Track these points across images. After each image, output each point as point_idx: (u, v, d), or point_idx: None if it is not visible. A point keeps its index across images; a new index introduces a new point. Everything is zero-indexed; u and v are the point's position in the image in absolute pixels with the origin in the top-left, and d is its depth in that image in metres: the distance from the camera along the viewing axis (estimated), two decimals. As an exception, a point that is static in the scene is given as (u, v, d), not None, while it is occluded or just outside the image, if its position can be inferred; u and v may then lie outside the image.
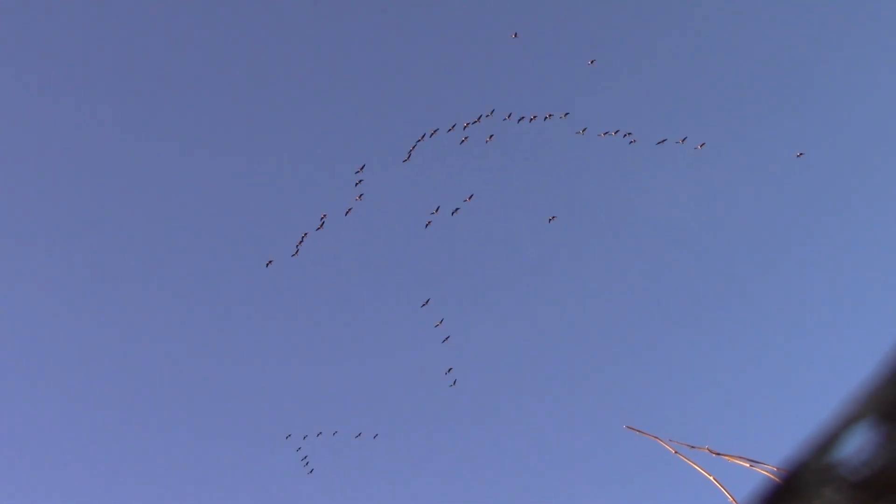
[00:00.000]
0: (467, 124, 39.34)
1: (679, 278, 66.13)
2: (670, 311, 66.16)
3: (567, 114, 40.17)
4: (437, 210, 40.77)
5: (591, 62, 44.66)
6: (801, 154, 41.78)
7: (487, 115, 39.40)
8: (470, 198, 40.96)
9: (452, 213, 40.92)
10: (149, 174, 67.62)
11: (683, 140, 39.55)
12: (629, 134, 39.44)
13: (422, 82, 66.53)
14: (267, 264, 42.00)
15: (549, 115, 40.12)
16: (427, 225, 40.75)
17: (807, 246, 63.97)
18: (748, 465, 4.29)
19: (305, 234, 40.01)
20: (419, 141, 39.56)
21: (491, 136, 39.93)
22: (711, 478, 4.35)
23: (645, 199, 63.36)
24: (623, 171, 65.10)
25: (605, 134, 39.80)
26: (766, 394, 62.68)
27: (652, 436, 4.68)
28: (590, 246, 65.56)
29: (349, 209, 40.09)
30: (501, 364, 65.26)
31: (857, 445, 1.14)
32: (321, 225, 39.98)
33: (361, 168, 39.74)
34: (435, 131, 39.55)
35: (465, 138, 39.43)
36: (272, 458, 61.22)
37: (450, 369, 43.20)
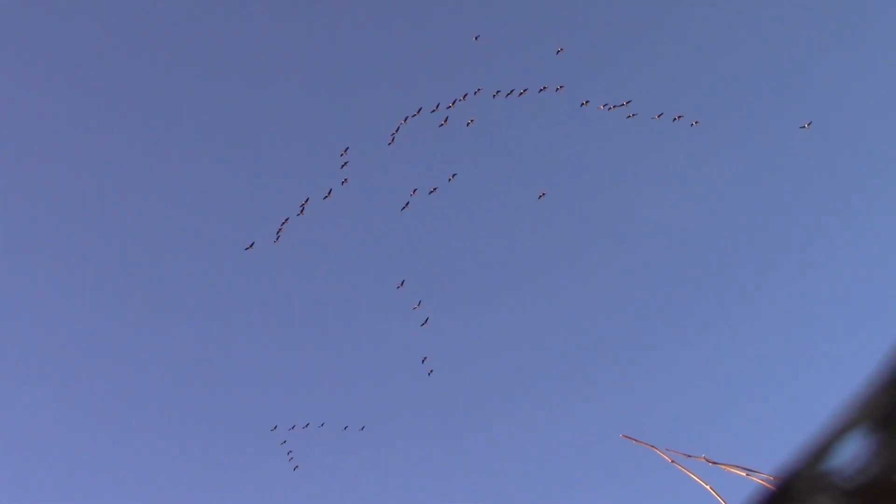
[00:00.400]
0: (453, 103, 37.88)
1: (677, 285, 66.07)
2: (666, 318, 66.12)
3: (562, 86, 38.66)
4: (414, 192, 39.41)
5: (559, 51, 42.04)
6: (808, 124, 40.16)
7: (475, 92, 37.87)
8: (453, 177, 40.07)
9: (430, 193, 39.62)
10: (129, 166, 67.29)
11: (679, 117, 38.61)
12: (629, 102, 37.99)
13: (405, 62, 66.14)
14: (248, 247, 40.95)
15: (544, 88, 38.50)
16: (404, 207, 39.26)
17: (802, 253, 63.94)
18: (745, 475, 4.28)
19: (286, 219, 39.09)
20: (403, 123, 38.19)
21: (472, 121, 38.62)
22: (708, 487, 4.33)
23: (643, 205, 63.30)
24: (620, 177, 64.97)
25: (605, 106, 38.46)
26: (763, 402, 62.64)
27: (648, 444, 4.67)
28: (588, 253, 65.49)
29: (329, 191, 38.77)
30: (496, 370, 65.12)
31: (852, 453, 1.14)
32: (301, 210, 39.05)
33: (345, 151, 38.43)
34: (419, 111, 38.01)
35: (446, 119, 37.91)
36: (258, 452, 60.81)
37: (425, 358, 42.73)
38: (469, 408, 65.11)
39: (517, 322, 65.07)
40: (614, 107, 38.32)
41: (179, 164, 66.07)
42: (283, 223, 39.16)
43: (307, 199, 38.71)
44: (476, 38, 42.76)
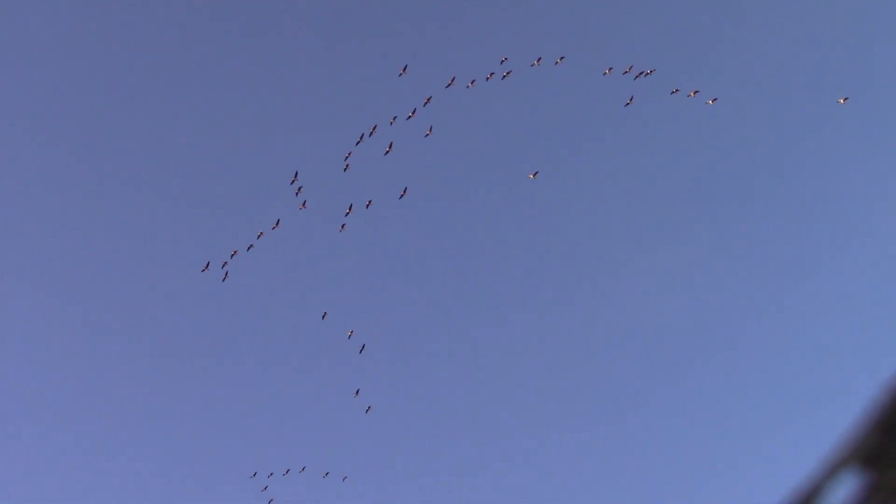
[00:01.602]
0: (412, 112, 34.82)
1: (681, 371, 65.55)
2: (677, 395, 65.55)
3: (563, 58, 36.03)
4: (350, 208, 36.60)
5: (503, 60, 37.08)
6: (845, 99, 38.03)
7: (448, 85, 35.26)
8: (405, 192, 37.23)
9: (367, 206, 37.03)
10: (83, 189, 66.69)
11: (695, 93, 36.80)
12: (653, 71, 35.73)
13: (353, 79, 64.28)
14: (203, 269, 39.23)
15: (538, 61, 35.66)
16: (342, 228, 36.99)
17: (793, 311, 63.81)
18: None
19: (235, 251, 37.37)
20: (358, 142, 35.56)
21: (431, 129, 36.29)
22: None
23: (636, 293, 62.99)
24: (614, 274, 64.68)
25: (630, 70, 36.02)
26: (774, 472, 61.81)
27: None
28: (589, 344, 65.02)
29: (277, 221, 37.08)
30: (499, 437, 64.36)
31: (842, 494, 1.16)
32: (250, 246, 37.26)
33: (295, 177, 36.01)
34: (374, 129, 35.23)
35: (390, 146, 35.24)
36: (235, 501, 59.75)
37: (357, 391, 41.38)
38: (473, 483, 64.01)
39: (522, 385, 64.53)
40: (640, 74, 36.01)
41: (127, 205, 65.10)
42: (232, 256, 37.42)
43: (261, 233, 36.97)
44: (403, 71, 37.73)
